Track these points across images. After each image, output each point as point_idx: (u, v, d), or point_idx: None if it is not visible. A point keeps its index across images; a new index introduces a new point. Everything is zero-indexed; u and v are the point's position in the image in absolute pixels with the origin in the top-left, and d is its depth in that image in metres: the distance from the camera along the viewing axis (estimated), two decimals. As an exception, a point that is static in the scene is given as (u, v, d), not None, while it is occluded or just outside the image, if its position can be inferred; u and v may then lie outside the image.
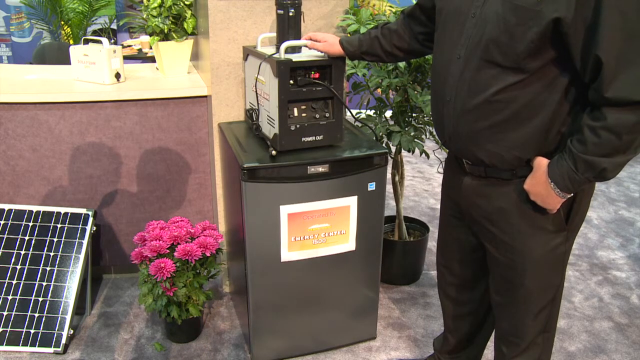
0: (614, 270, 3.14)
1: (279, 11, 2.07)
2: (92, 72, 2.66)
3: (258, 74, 2.16)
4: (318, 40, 2.01)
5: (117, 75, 2.66)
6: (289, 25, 2.07)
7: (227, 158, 2.38)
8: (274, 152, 2.06)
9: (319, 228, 2.19)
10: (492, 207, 1.60)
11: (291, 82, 2.01)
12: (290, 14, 2.05)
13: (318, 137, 2.11)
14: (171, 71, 2.82)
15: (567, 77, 1.37)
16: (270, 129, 2.13)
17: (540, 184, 1.45)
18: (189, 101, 2.63)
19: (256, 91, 2.21)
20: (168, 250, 2.27)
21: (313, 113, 2.10)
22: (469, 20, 1.47)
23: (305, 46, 2.06)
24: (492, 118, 1.45)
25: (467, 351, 2.15)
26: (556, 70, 1.37)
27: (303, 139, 2.09)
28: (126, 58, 2.89)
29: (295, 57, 2.01)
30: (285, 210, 2.10)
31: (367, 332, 2.51)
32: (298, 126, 2.07)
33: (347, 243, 2.25)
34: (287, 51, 2.02)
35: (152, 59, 3.10)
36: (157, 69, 2.96)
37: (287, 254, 2.18)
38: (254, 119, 2.25)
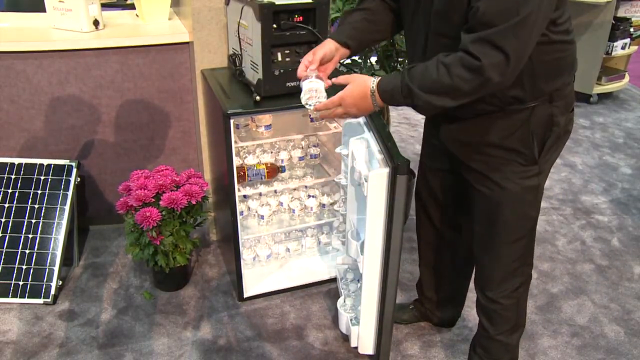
0: (597, 214, 3.19)
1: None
2: (69, 19, 2.58)
3: (240, 18, 2.10)
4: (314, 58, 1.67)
5: (96, 23, 2.58)
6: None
7: (211, 105, 2.35)
8: (258, 98, 2.03)
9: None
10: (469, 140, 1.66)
11: (274, 26, 1.96)
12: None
13: (302, 82, 2.07)
14: (151, 17, 2.74)
15: None
16: (253, 75, 2.09)
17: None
18: (171, 48, 2.56)
19: (239, 36, 2.16)
20: (153, 199, 2.26)
21: (297, 57, 2.06)
22: None
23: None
24: None
25: (446, 290, 2.21)
26: None
27: (287, 84, 2.06)
28: (104, 5, 2.79)
29: (278, 0, 1.95)
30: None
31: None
32: (282, 71, 2.03)
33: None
34: (269, -7, 1.97)
35: (131, 7, 3.00)
36: (137, 15, 2.87)
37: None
38: (237, 65, 2.20)
